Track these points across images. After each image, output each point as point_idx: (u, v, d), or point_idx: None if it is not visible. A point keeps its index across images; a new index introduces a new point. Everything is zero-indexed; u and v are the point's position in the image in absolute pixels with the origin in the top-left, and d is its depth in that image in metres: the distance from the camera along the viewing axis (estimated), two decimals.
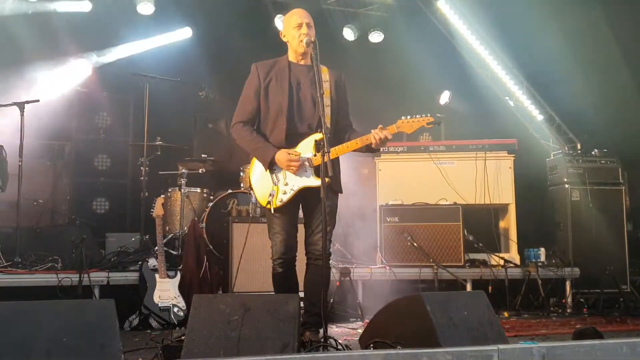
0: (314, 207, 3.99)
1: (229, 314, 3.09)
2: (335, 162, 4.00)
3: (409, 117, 3.97)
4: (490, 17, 7.87)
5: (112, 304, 2.92)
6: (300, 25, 4.00)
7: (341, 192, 4.14)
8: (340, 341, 3.82)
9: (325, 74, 4.08)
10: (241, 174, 6.56)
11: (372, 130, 3.91)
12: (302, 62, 4.11)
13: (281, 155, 3.91)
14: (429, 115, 3.97)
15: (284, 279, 3.98)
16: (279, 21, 7.89)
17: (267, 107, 4.05)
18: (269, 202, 3.96)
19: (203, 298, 3.23)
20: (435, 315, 3.16)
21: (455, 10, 8.10)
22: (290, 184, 3.94)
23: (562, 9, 7.14)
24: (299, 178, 3.94)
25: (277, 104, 4.02)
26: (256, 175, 4.08)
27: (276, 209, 3.93)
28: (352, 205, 7.29)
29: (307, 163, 3.93)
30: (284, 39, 4.15)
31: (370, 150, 4.04)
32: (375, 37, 8.55)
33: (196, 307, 3.15)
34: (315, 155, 3.91)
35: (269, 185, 3.98)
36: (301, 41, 3.97)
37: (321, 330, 3.69)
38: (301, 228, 4.11)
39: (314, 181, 3.90)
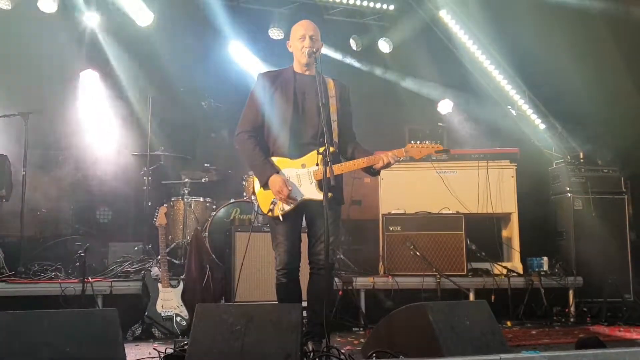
0: (316, 217, 4.01)
1: (232, 323, 3.09)
2: (339, 176, 4.01)
3: (418, 142, 4.05)
4: (492, 26, 7.90)
5: (116, 313, 2.94)
6: (303, 38, 4.04)
7: (343, 204, 4.17)
8: (342, 351, 3.82)
9: (331, 88, 4.11)
10: (243, 182, 6.58)
11: (383, 153, 3.96)
12: (307, 73, 4.14)
13: (275, 180, 3.91)
14: (438, 142, 4.10)
15: (287, 288, 3.99)
16: (277, 32, 7.91)
17: (272, 116, 4.08)
18: (270, 210, 3.98)
19: (206, 308, 3.24)
20: (437, 325, 3.16)
21: (457, 20, 8.14)
22: (293, 194, 3.95)
23: (565, 18, 7.16)
24: (302, 190, 3.96)
25: (281, 114, 4.04)
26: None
27: (278, 218, 3.94)
28: (355, 214, 7.32)
29: (311, 175, 3.95)
30: (290, 49, 4.18)
31: (372, 172, 4.08)
32: (383, 46, 8.58)
33: (199, 316, 3.16)
34: (319, 168, 3.92)
35: (271, 194, 3.99)
36: (303, 53, 4.01)
37: (324, 340, 3.70)
38: (304, 238, 4.12)
39: (317, 194, 3.92)
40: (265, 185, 3.98)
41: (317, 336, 3.95)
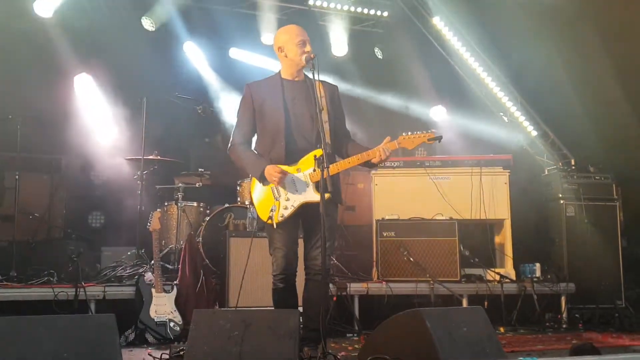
0: (313, 222, 4.00)
1: (230, 329, 3.09)
2: (335, 176, 4.03)
3: (409, 133, 4.01)
4: (485, 33, 7.95)
5: (113, 319, 2.93)
6: (303, 43, 4.04)
7: (341, 204, 4.17)
8: (338, 357, 3.82)
9: (319, 88, 4.11)
10: (238, 187, 6.57)
11: (376, 148, 3.95)
12: (296, 79, 4.15)
13: (269, 169, 3.94)
14: (430, 131, 4.02)
15: (284, 294, 3.98)
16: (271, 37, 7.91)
17: (264, 126, 4.09)
18: (270, 218, 3.96)
19: (203, 313, 3.23)
20: (435, 331, 3.17)
21: (450, 27, 8.17)
22: (292, 199, 3.96)
23: (558, 26, 7.21)
24: (300, 193, 3.96)
25: (274, 122, 4.05)
26: (257, 191, 4.09)
27: (277, 224, 3.94)
28: (349, 220, 7.33)
29: (307, 178, 3.96)
30: (281, 53, 4.14)
31: (369, 165, 4.07)
32: (372, 53, 8.61)
33: (196, 322, 3.15)
34: (315, 171, 3.93)
35: (270, 200, 4.00)
36: (302, 58, 4.01)
37: (319, 346, 3.70)
38: (300, 243, 4.12)
39: (315, 196, 3.92)
40: (263, 180, 3.97)
41: (313, 342, 3.95)
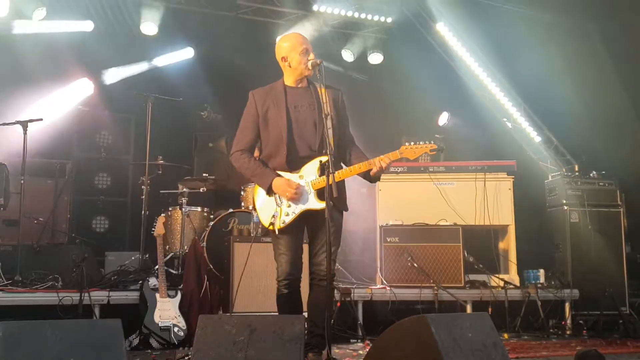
0: (318, 228, 4.01)
1: (235, 334, 3.09)
2: (340, 183, 4.03)
3: (412, 143, 4.04)
4: (488, 39, 7.96)
5: (119, 324, 2.93)
6: (307, 51, 4.06)
7: (346, 210, 4.18)
8: None
9: (323, 95, 4.12)
10: (242, 193, 6.58)
11: (378, 157, 3.97)
12: (299, 86, 4.16)
13: (278, 182, 3.95)
14: (432, 142, 4.05)
15: (289, 300, 3.98)
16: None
17: (268, 133, 4.10)
18: (271, 224, 3.98)
19: (209, 318, 3.23)
20: (440, 337, 3.16)
21: (454, 33, 8.19)
22: (293, 206, 3.96)
23: (561, 31, 7.23)
24: (302, 201, 3.96)
25: (277, 130, 4.06)
26: (260, 197, 4.10)
27: (280, 230, 3.95)
28: (352, 225, 7.32)
29: (309, 186, 3.96)
30: (285, 63, 4.14)
31: (370, 179, 4.08)
32: (375, 58, 8.64)
33: (202, 327, 3.15)
34: (317, 178, 3.94)
35: (272, 207, 4.01)
36: (307, 66, 4.02)
37: (324, 352, 3.70)
38: (305, 248, 4.13)
39: (317, 204, 3.93)
40: (269, 191, 3.99)
41: (317, 347, 3.95)
